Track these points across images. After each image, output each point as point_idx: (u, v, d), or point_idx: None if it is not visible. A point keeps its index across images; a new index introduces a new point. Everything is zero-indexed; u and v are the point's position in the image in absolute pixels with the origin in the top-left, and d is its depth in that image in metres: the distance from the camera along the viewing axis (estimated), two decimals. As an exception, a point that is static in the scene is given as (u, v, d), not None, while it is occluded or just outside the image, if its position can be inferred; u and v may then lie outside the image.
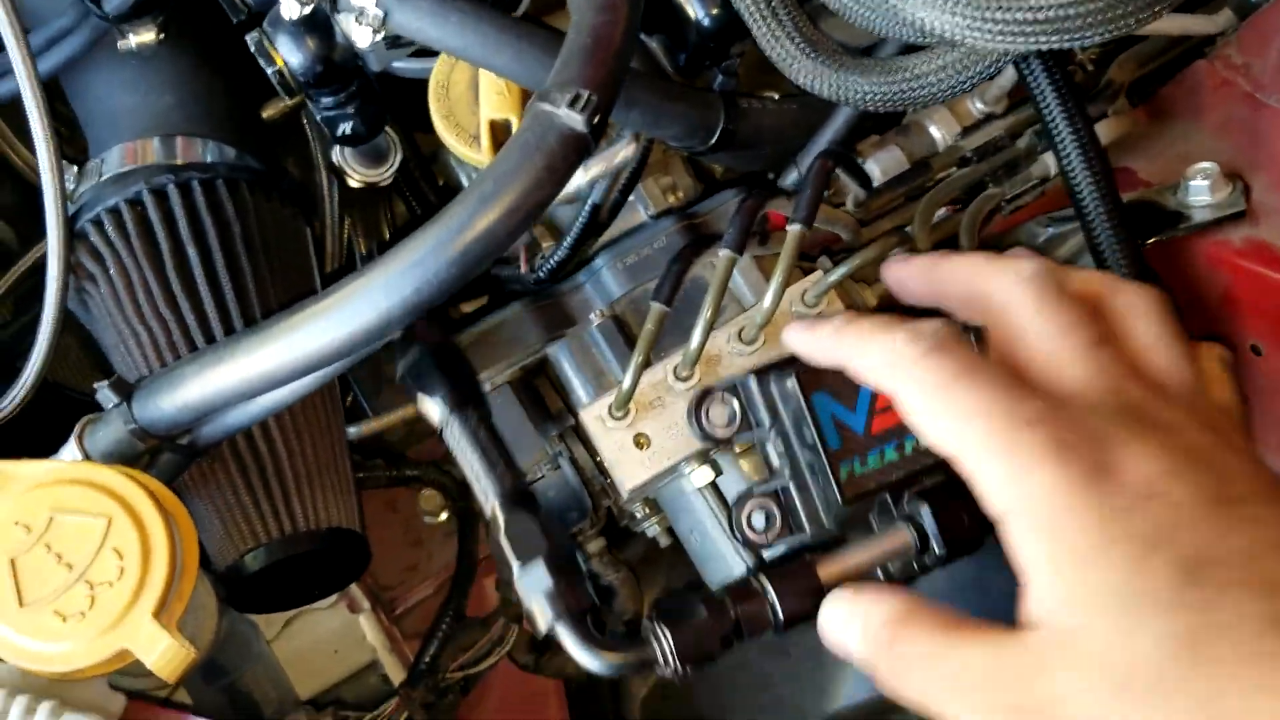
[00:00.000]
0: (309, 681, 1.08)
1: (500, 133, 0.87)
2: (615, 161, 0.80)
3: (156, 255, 0.88)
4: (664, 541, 0.92)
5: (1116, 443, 0.57)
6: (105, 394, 0.76)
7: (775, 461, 0.74)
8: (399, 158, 1.05)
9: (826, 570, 0.71)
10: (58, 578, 0.72)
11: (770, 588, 0.70)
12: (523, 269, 0.91)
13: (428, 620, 1.10)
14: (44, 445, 0.82)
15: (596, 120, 0.65)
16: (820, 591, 0.70)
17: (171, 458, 0.80)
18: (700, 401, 0.75)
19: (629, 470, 0.77)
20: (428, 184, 1.11)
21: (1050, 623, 0.55)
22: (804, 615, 0.70)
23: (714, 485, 0.80)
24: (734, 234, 0.74)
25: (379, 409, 1.09)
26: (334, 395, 0.95)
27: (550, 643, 1.11)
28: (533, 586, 0.69)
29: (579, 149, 0.65)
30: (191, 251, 0.89)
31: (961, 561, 0.82)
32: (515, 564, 0.69)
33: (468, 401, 0.74)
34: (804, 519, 0.74)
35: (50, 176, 0.86)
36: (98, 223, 0.90)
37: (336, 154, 1.04)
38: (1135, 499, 0.54)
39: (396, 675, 1.04)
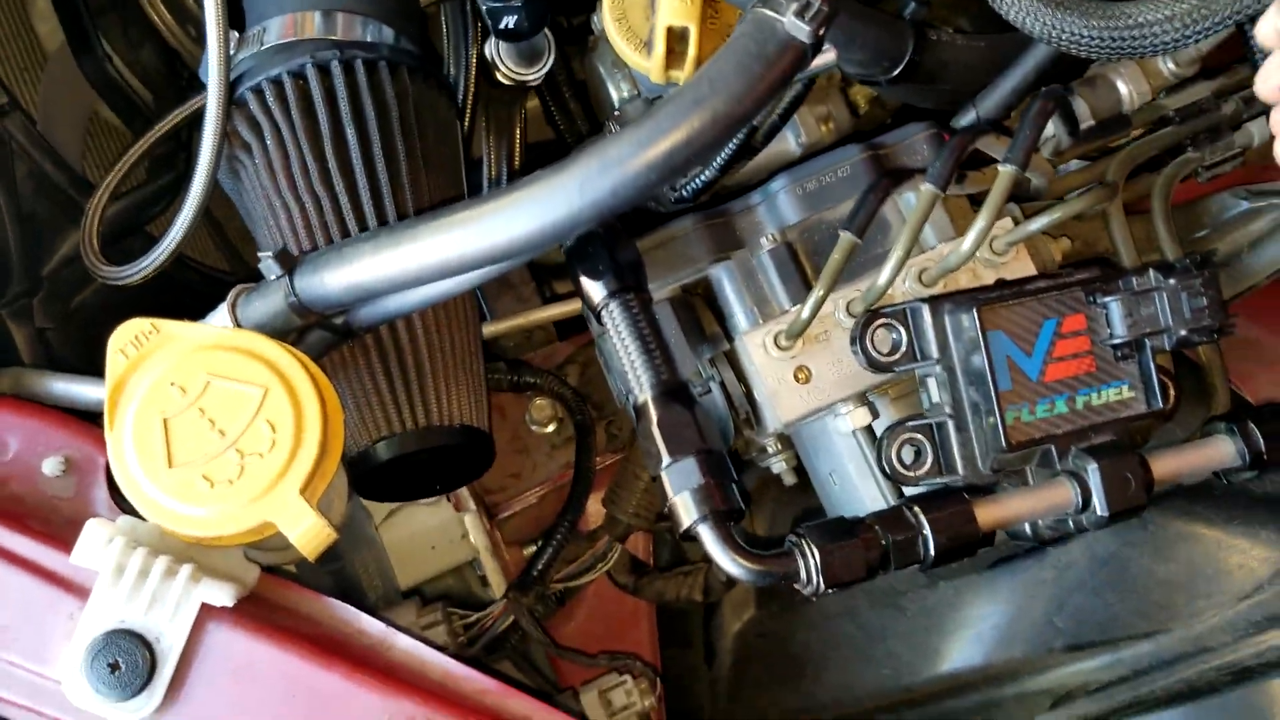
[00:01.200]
0: (405, 573, 1.07)
1: (675, 40, 0.85)
2: (814, 67, 0.77)
3: (315, 130, 0.87)
4: (788, 480, 0.91)
5: None
6: (269, 264, 0.75)
7: (936, 396, 0.72)
8: (551, 59, 1.03)
9: (983, 513, 0.69)
10: (209, 443, 0.72)
11: (925, 520, 0.68)
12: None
13: (528, 529, 1.09)
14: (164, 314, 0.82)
15: (822, 33, 0.62)
16: (976, 533, 0.68)
17: (322, 337, 0.79)
18: (867, 325, 0.72)
19: (787, 403, 0.76)
20: (571, 90, 1.10)
21: None
22: (956, 552, 0.69)
23: (869, 429, 0.78)
24: (940, 168, 0.71)
25: (499, 313, 1.08)
26: (474, 296, 0.94)
27: (650, 565, 1.11)
28: (681, 481, 0.68)
29: (798, 61, 0.63)
30: (350, 131, 0.87)
31: (1103, 534, 0.80)
32: (665, 457, 0.68)
33: (632, 287, 0.72)
34: (958, 459, 0.72)
35: (216, 35, 0.85)
36: (258, 91, 0.88)
37: (491, 48, 1.01)
38: None
39: (495, 578, 1.03)
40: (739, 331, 0.77)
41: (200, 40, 1.15)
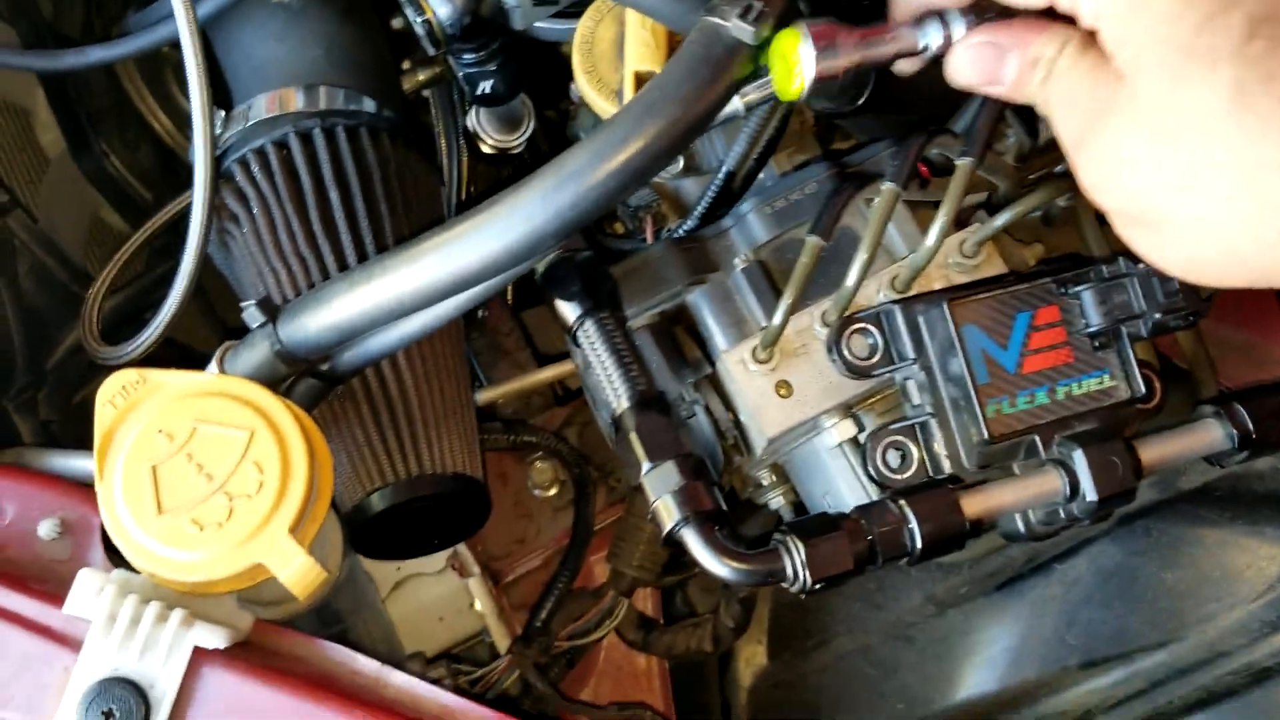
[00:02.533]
0: (413, 646, 1.07)
1: (644, 84, 0.88)
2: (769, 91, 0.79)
3: (299, 195, 0.89)
4: (787, 515, 0.90)
5: None
6: (252, 313, 0.76)
7: (915, 396, 0.72)
8: (532, 125, 1.06)
9: (969, 503, 0.69)
10: (197, 487, 0.72)
11: (910, 511, 0.68)
12: (649, 239, 0.91)
13: (534, 593, 1.09)
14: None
15: (766, 33, 0.64)
16: (963, 523, 0.68)
17: (311, 385, 0.80)
18: (841, 330, 0.73)
19: (769, 417, 0.76)
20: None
21: (1123, 71, 0.58)
22: (943, 544, 0.68)
23: (855, 441, 0.78)
24: (898, 166, 0.73)
25: (496, 379, 1.09)
26: (460, 346, 0.95)
27: (659, 621, 1.10)
28: (661, 485, 0.68)
29: (745, 63, 0.65)
30: (334, 194, 0.89)
31: (1108, 545, 0.79)
32: (645, 463, 0.68)
33: (604, 305, 0.73)
34: (943, 458, 0.72)
35: (201, 116, 0.88)
36: (244, 163, 0.91)
37: (472, 119, 1.05)
38: None
39: (502, 643, 1.02)
40: (719, 352, 0.78)
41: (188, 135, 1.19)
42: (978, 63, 0.65)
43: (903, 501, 0.68)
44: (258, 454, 0.73)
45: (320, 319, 0.74)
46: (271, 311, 0.77)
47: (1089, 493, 0.69)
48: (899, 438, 0.73)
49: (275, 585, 0.76)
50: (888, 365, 0.73)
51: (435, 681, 0.77)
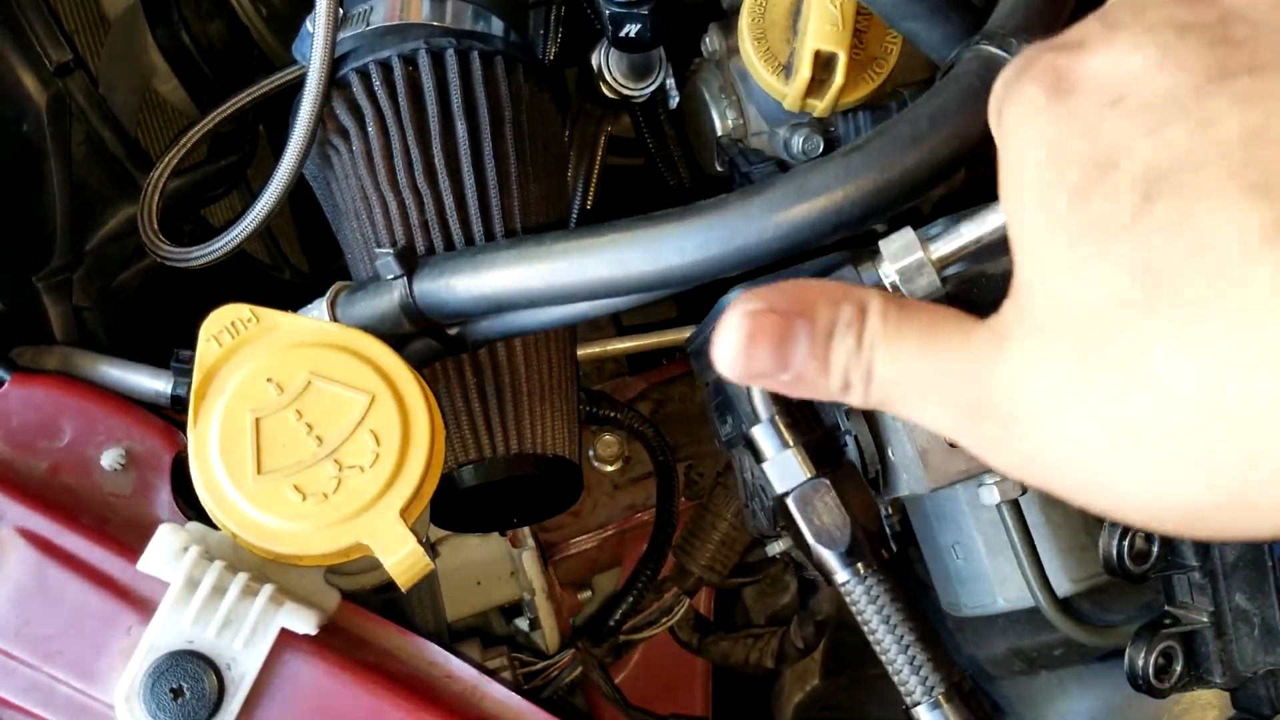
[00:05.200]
0: (448, 607, 1.00)
1: (821, 67, 0.79)
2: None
3: (423, 121, 0.80)
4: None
5: (1087, 49, 0.44)
6: (387, 263, 0.67)
7: (1185, 597, 0.67)
8: (661, 77, 0.97)
9: None
10: (304, 450, 0.64)
11: None
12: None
13: (581, 572, 1.02)
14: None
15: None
16: None
17: (428, 345, 0.71)
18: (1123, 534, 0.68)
19: (936, 466, 0.69)
20: (666, 115, 1.04)
21: (1015, 289, 0.44)
22: None
23: (1015, 503, 0.72)
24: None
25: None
26: (573, 326, 0.87)
27: (712, 623, 1.04)
28: None
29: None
30: (460, 126, 0.80)
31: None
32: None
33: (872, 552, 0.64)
34: (1215, 666, 0.68)
35: (326, 11, 0.78)
36: (364, 74, 0.81)
37: (599, 56, 0.95)
38: (1096, 110, 0.42)
39: (548, 621, 0.95)
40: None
41: (271, 21, 1.08)
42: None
43: None
44: (376, 423, 0.65)
45: (471, 284, 0.66)
46: (409, 264, 0.68)
47: None
48: (1169, 642, 0.67)
49: (360, 560, 0.69)
50: (1164, 568, 0.68)
51: (493, 674, 0.70)
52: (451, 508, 0.79)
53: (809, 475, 0.61)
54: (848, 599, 0.60)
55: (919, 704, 0.59)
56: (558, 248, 0.63)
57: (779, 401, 0.63)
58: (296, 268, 1.19)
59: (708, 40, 0.93)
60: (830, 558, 0.60)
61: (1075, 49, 0.43)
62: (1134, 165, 0.40)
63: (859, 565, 0.60)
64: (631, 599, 0.94)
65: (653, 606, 0.95)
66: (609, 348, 0.99)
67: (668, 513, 0.95)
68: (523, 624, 1.02)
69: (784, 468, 0.62)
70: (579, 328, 1.02)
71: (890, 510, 0.81)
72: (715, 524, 0.95)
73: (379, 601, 0.87)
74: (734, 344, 0.48)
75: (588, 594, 1.00)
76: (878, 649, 0.60)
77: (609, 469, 1.02)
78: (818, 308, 0.48)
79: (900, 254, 0.60)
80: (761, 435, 0.63)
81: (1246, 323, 0.37)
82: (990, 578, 0.74)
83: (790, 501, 0.61)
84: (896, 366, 0.47)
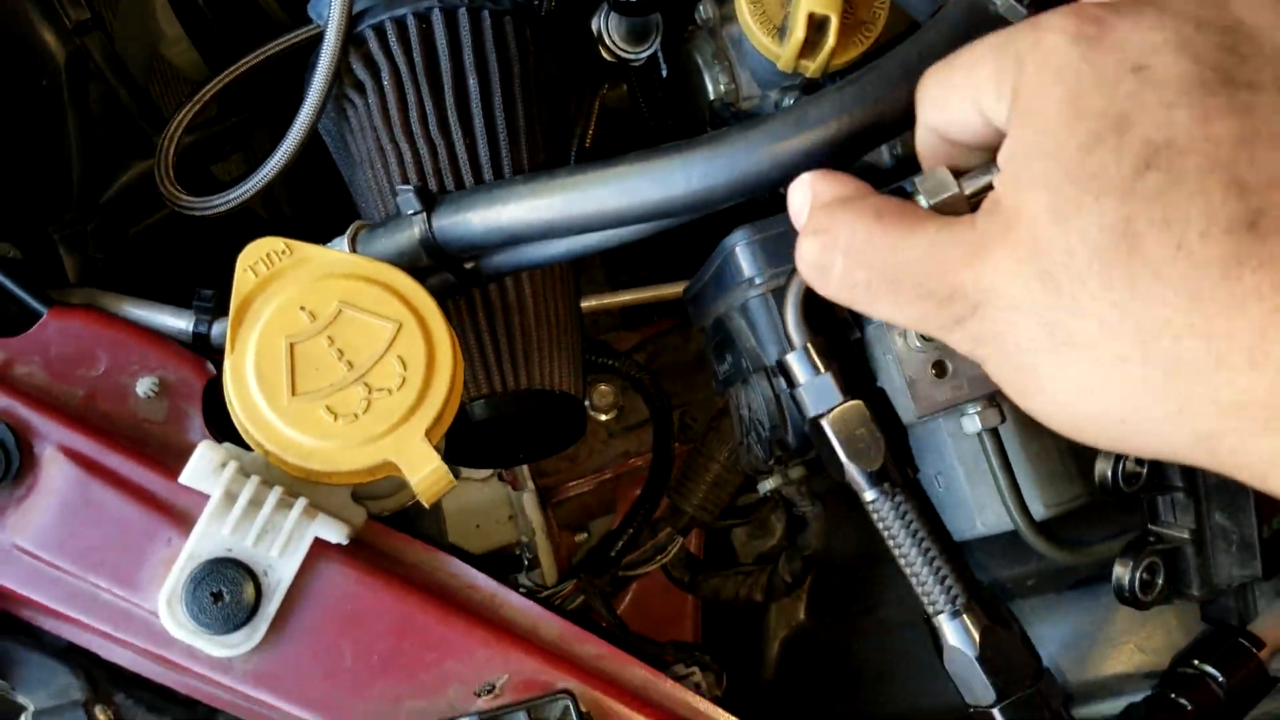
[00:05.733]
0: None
1: (813, 29, 0.84)
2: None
3: (437, 76, 0.84)
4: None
5: (1119, 13, 0.49)
6: (408, 199, 0.72)
7: (1168, 515, 0.73)
8: (658, 42, 1.01)
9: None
10: (335, 373, 0.68)
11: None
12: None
13: (576, 516, 1.06)
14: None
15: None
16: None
17: (443, 280, 0.76)
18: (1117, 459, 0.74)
19: (924, 394, 0.74)
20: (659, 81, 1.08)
21: (999, 202, 0.50)
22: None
23: (995, 431, 0.77)
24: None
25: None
26: (575, 270, 0.92)
27: (703, 561, 1.09)
28: None
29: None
30: (472, 80, 0.85)
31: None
32: None
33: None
34: (1194, 579, 0.74)
35: (344, -30, 0.82)
36: (380, 31, 0.85)
37: (599, 20, 1.00)
38: (1118, 71, 0.47)
39: (547, 559, 1.00)
40: (876, 320, 0.76)
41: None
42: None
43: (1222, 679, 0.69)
44: (403, 349, 0.69)
45: (488, 217, 0.70)
46: (429, 200, 0.72)
47: None
48: (1152, 558, 0.73)
49: (385, 482, 0.73)
50: (1153, 490, 0.74)
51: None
52: (463, 442, 0.84)
53: (843, 398, 0.65)
54: (875, 515, 0.64)
55: (941, 613, 0.63)
56: (570, 180, 0.67)
57: (811, 328, 0.67)
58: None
59: (701, 8, 0.98)
60: (861, 475, 0.64)
61: (1109, 8, 0.49)
62: (1140, 133, 0.46)
63: (886, 484, 0.64)
64: (631, 533, 0.99)
65: (648, 545, 1.00)
66: (604, 301, 1.04)
67: (665, 454, 1.00)
68: (521, 578, 1.06)
69: (820, 391, 0.65)
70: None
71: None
72: (708, 466, 1.00)
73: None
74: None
75: (584, 535, 1.05)
76: (903, 562, 0.64)
77: (604, 417, 1.07)
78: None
79: (935, 190, 0.64)
80: (796, 362, 0.66)
81: (1189, 297, 0.45)
82: (971, 504, 0.79)
83: (826, 423, 0.64)
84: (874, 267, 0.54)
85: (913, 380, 0.75)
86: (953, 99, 0.54)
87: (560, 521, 1.05)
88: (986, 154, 0.55)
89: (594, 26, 1.00)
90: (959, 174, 0.56)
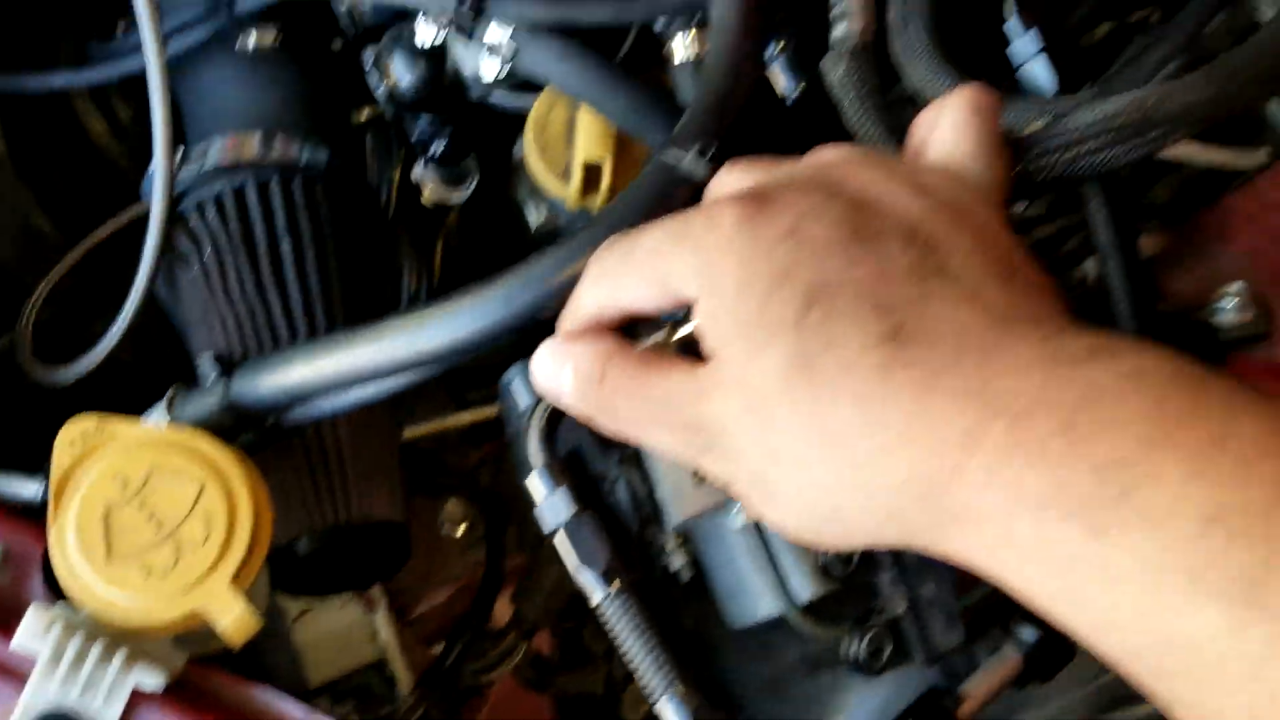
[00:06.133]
0: (313, 673, 1.11)
1: (592, 172, 0.94)
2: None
3: (252, 245, 0.93)
4: (685, 576, 0.97)
5: (779, 192, 0.61)
6: (208, 367, 0.81)
7: (887, 592, 0.81)
8: (475, 182, 1.11)
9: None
10: (147, 534, 0.76)
11: None
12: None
13: (436, 628, 1.14)
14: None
15: (714, 169, 0.72)
16: None
17: (251, 438, 0.84)
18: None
19: (685, 501, 0.83)
20: (491, 213, 1.17)
21: (712, 353, 0.61)
22: None
23: (756, 525, 0.85)
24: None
25: (416, 416, 1.14)
26: (391, 405, 1.00)
27: (553, 661, 1.16)
28: None
29: (693, 193, 0.72)
30: (285, 245, 0.94)
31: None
32: None
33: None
34: (917, 648, 0.82)
35: (163, 155, 0.91)
36: (200, 208, 0.94)
37: (417, 170, 1.09)
38: (777, 237, 0.59)
39: (403, 675, 1.07)
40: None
41: (130, 155, 1.21)
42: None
43: None
44: (207, 506, 0.77)
45: (275, 381, 0.79)
46: (227, 367, 0.81)
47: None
48: (876, 630, 0.82)
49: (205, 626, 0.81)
50: (867, 574, 0.82)
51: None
52: (299, 575, 0.92)
53: (576, 509, 0.76)
54: (601, 614, 0.74)
55: (660, 698, 0.72)
56: (345, 339, 0.77)
57: (550, 451, 0.78)
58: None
59: (517, 148, 1.08)
60: (589, 580, 0.74)
61: (761, 194, 0.62)
62: (801, 281, 0.58)
63: (613, 586, 0.74)
64: (463, 643, 1.06)
65: (494, 652, 1.07)
66: (449, 422, 1.12)
67: (496, 567, 1.08)
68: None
69: (554, 508, 0.77)
70: (420, 404, 1.15)
71: (678, 542, 0.95)
72: (545, 571, 1.08)
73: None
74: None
75: (440, 647, 1.12)
76: (627, 657, 0.73)
77: (459, 531, 1.15)
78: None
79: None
80: (533, 483, 0.77)
81: (857, 400, 0.56)
82: (751, 591, 0.87)
83: (558, 535, 0.75)
84: (634, 404, 0.65)
85: (676, 490, 0.83)
86: (636, 281, 0.65)
87: (421, 635, 1.12)
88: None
89: (414, 177, 1.10)
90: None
